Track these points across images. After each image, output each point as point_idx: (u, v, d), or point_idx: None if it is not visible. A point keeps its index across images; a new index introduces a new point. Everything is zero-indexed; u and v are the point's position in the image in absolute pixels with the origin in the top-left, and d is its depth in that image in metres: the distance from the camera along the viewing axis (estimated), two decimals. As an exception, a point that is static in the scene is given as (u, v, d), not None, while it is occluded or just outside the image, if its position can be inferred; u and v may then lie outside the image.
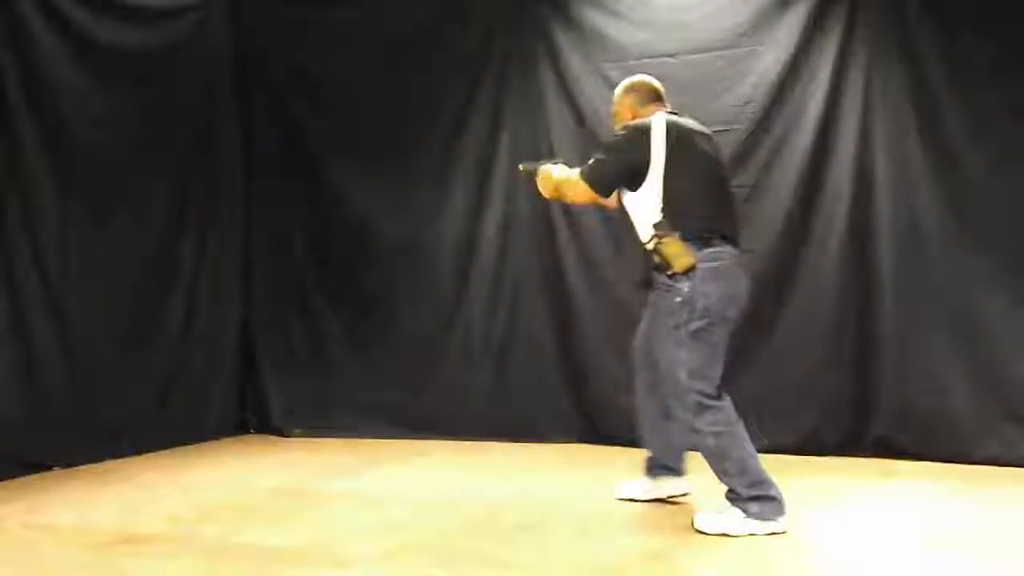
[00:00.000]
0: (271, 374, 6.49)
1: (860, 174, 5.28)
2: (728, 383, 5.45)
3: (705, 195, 3.92)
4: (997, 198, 5.02)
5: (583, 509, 4.33)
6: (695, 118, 5.43)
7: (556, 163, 4.30)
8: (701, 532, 3.79)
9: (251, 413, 6.52)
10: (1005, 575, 3.37)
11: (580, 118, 5.88)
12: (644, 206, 3.90)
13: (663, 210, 3.83)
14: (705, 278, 3.77)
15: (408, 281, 6.24)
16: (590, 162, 4.02)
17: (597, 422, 5.81)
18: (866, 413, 5.27)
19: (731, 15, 5.56)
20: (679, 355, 3.80)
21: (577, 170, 4.06)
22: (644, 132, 3.90)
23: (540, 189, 4.28)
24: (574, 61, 5.89)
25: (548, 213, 5.93)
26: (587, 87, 5.86)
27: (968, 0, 5.03)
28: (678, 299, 3.78)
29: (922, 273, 5.17)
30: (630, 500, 4.34)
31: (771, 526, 3.76)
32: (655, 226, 3.85)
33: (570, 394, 5.91)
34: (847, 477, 4.85)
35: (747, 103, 5.50)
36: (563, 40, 5.91)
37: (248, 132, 6.53)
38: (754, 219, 5.46)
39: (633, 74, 5.65)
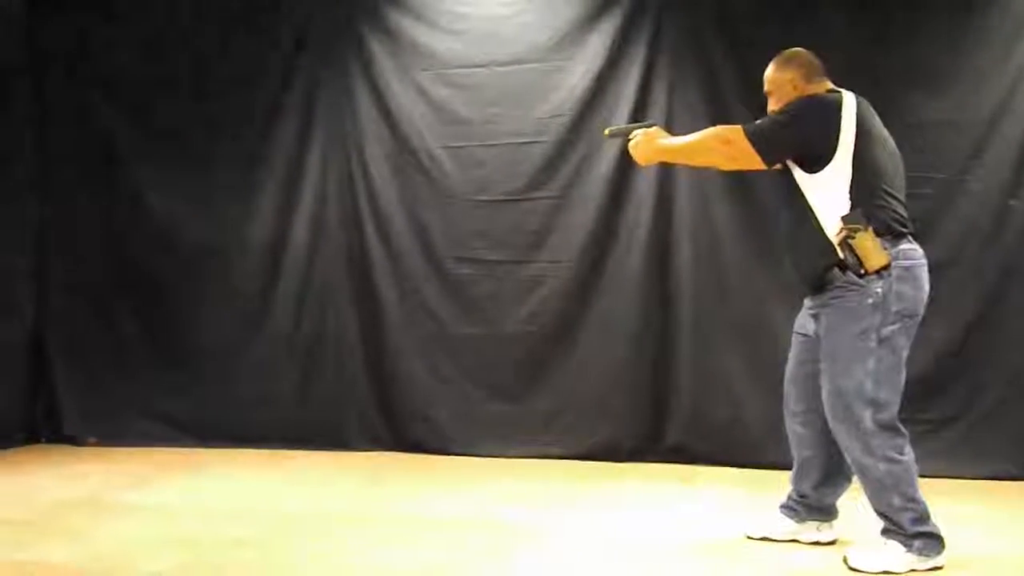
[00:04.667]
0: (65, 380, 6.21)
1: (661, 187, 5.46)
2: (531, 389, 5.64)
3: (894, 187, 3.54)
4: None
5: (385, 519, 4.31)
6: (516, 128, 5.65)
7: (651, 125, 3.93)
8: (858, 571, 3.45)
9: (42, 421, 6.22)
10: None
11: (392, 124, 5.86)
12: (829, 194, 3.47)
13: (856, 200, 3.44)
14: (900, 278, 3.43)
15: (211, 285, 6.07)
16: (759, 122, 3.59)
17: (404, 431, 5.81)
18: (663, 420, 5.46)
19: (542, 29, 5.66)
20: (867, 364, 3.42)
21: (721, 128, 3.71)
22: (836, 107, 3.51)
23: (634, 154, 3.85)
24: (387, 67, 5.87)
25: (357, 216, 5.90)
26: (399, 93, 5.84)
27: (757, 24, 5.26)
28: (869, 300, 3.41)
29: (718, 284, 5.38)
30: (764, 539, 3.87)
31: (932, 562, 3.44)
32: (845, 219, 3.42)
33: (377, 402, 5.86)
34: (643, 483, 5.00)
35: (556, 116, 5.61)
36: (376, 46, 5.88)
37: (43, 129, 6.22)
38: (561, 229, 5.61)
39: (447, 82, 5.78)
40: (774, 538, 3.85)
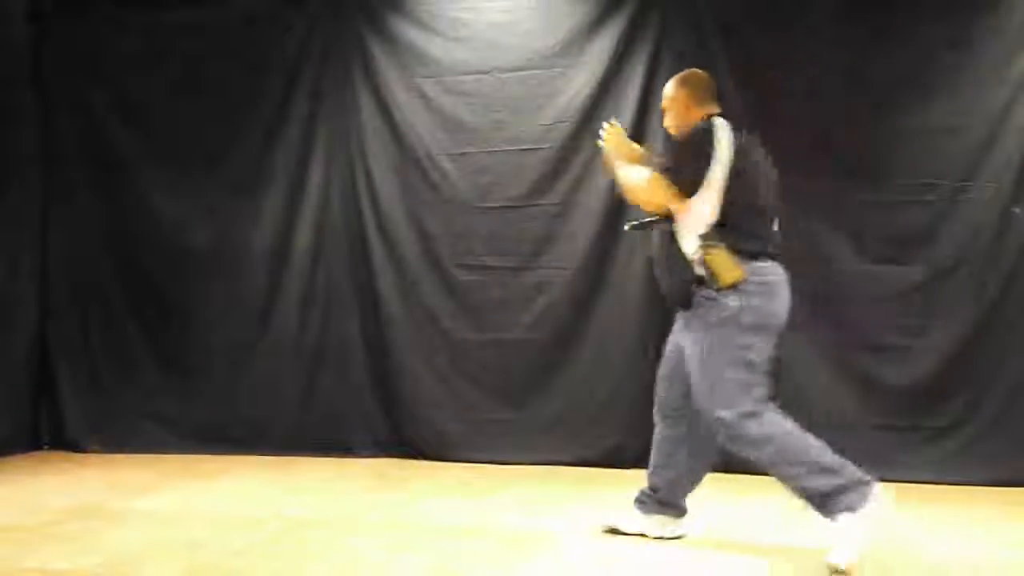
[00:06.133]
0: (68, 385, 6.23)
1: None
2: (534, 396, 5.64)
3: (757, 207, 3.72)
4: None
5: (388, 525, 4.31)
6: (519, 135, 5.67)
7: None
8: (840, 571, 3.42)
9: (45, 427, 6.23)
10: None
11: (395, 130, 5.88)
12: (693, 214, 3.66)
13: (718, 220, 3.62)
14: (753, 293, 3.61)
15: (215, 289, 6.09)
16: (675, 170, 3.71)
17: (408, 436, 5.82)
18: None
19: (544, 36, 5.67)
20: (724, 372, 3.60)
21: (653, 181, 3.73)
22: (710, 135, 3.68)
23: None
24: (389, 73, 5.89)
25: (361, 222, 5.91)
26: (401, 100, 5.86)
27: (760, 31, 5.27)
28: (725, 313, 3.59)
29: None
30: (613, 532, 4.05)
31: (880, 496, 3.47)
32: (702, 237, 3.62)
33: (380, 408, 5.88)
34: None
35: (558, 122, 5.62)
36: (379, 53, 5.90)
37: (46, 130, 6.25)
38: (562, 238, 5.63)
39: (449, 89, 5.79)
40: (624, 531, 4.00)
